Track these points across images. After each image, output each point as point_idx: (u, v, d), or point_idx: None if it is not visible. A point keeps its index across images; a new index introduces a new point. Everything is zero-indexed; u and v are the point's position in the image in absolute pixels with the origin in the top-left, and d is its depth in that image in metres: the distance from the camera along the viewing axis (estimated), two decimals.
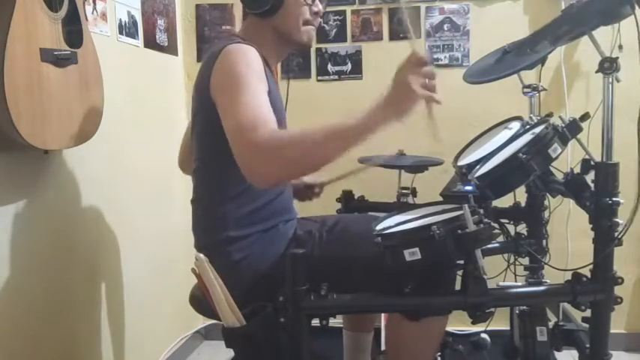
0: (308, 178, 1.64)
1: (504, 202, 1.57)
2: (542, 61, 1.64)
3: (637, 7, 1.11)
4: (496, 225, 1.43)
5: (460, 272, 1.17)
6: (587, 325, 1.24)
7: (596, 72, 1.20)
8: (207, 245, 1.30)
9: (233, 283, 1.13)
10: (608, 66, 1.17)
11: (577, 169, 1.28)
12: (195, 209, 1.36)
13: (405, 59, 1.04)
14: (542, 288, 1.30)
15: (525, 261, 1.74)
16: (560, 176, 1.34)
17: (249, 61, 1.19)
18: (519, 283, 1.59)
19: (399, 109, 1.03)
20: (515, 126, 1.57)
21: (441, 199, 1.39)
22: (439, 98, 1.04)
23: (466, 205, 1.06)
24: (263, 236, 1.29)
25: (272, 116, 1.10)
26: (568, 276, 1.23)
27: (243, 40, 1.27)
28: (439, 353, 1.49)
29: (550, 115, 1.41)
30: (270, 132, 1.05)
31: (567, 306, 1.37)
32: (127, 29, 1.90)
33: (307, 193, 1.67)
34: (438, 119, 1.05)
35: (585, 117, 1.24)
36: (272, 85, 1.28)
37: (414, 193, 1.92)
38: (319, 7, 1.35)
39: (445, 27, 2.32)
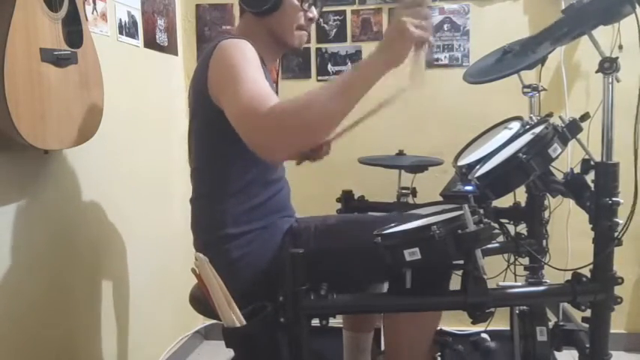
0: None
1: (504, 202, 1.57)
2: (542, 61, 1.64)
3: (637, 7, 1.11)
4: (496, 225, 1.43)
5: (460, 272, 1.17)
6: (587, 325, 1.24)
7: (596, 72, 1.19)
8: (206, 243, 1.30)
9: (232, 281, 1.13)
10: (608, 66, 1.17)
11: (577, 169, 1.28)
12: (194, 208, 1.36)
13: (401, 2, 1.03)
14: (542, 288, 1.30)
15: (525, 261, 1.74)
16: (560, 176, 1.34)
17: (243, 52, 1.19)
18: (519, 283, 1.60)
19: (396, 52, 1.01)
20: (515, 126, 1.57)
21: (441, 199, 1.39)
22: (430, 39, 1.03)
23: (466, 205, 1.05)
24: (262, 234, 1.29)
25: (271, 92, 1.09)
26: (568, 276, 1.23)
27: (237, 37, 1.27)
28: (439, 353, 1.49)
29: (550, 115, 1.41)
30: (269, 106, 1.03)
31: (567, 306, 1.37)
32: (127, 29, 1.90)
33: (315, 151, 1.56)
34: (423, 64, 1.04)
35: (585, 117, 1.24)
36: (268, 81, 1.28)
37: (414, 193, 1.92)
38: (314, 13, 1.36)
39: (445, 27, 2.31)
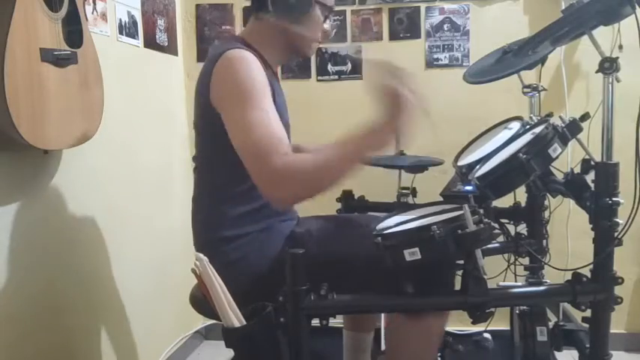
0: None
1: (504, 202, 1.57)
2: (542, 61, 1.64)
3: (637, 7, 1.11)
4: (496, 225, 1.43)
5: (460, 272, 1.17)
6: (587, 325, 1.24)
7: (596, 72, 1.19)
8: (205, 244, 1.30)
9: (231, 282, 1.13)
10: (608, 66, 1.17)
11: (577, 169, 1.28)
12: (194, 207, 1.37)
13: (380, 71, 1.08)
14: (542, 288, 1.30)
15: (525, 261, 1.74)
16: (560, 176, 1.34)
17: (251, 70, 1.19)
18: (519, 283, 1.60)
19: (396, 124, 1.08)
20: (515, 126, 1.57)
21: (441, 199, 1.39)
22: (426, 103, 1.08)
23: (466, 205, 1.05)
24: (260, 236, 1.29)
25: (284, 133, 1.13)
26: (568, 276, 1.23)
27: (244, 44, 1.27)
28: (439, 353, 1.49)
29: (550, 115, 1.41)
30: (287, 157, 1.08)
31: (567, 306, 1.37)
32: (127, 29, 1.90)
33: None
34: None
35: (585, 117, 1.24)
36: (276, 87, 1.27)
37: (414, 193, 1.92)
38: (328, 28, 1.39)
39: (445, 27, 2.31)
